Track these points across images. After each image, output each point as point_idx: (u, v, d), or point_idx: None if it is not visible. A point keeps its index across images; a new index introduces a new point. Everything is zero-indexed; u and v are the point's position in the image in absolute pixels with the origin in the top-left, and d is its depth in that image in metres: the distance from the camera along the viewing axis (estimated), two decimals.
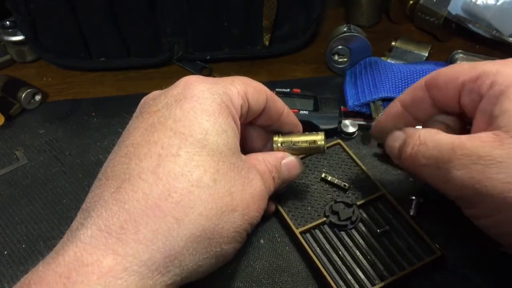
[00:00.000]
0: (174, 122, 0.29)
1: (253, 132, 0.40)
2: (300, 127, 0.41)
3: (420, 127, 0.38)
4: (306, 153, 0.42)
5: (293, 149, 0.40)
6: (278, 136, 0.40)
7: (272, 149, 0.40)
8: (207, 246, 0.28)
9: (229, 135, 0.31)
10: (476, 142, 0.30)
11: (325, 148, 0.39)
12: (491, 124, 0.30)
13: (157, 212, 0.26)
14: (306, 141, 0.39)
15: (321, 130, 0.49)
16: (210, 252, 0.29)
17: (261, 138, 0.41)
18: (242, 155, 0.34)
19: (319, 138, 0.39)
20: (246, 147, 0.40)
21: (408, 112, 0.38)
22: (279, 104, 0.38)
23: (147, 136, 0.29)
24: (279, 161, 0.38)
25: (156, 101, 0.32)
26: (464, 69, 0.33)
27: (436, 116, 0.37)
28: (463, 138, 0.31)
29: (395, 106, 0.38)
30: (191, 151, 0.29)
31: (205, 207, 0.28)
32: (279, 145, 0.39)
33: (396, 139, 0.36)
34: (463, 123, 0.36)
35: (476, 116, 0.32)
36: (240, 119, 0.34)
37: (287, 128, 0.40)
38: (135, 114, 0.33)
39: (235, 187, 0.30)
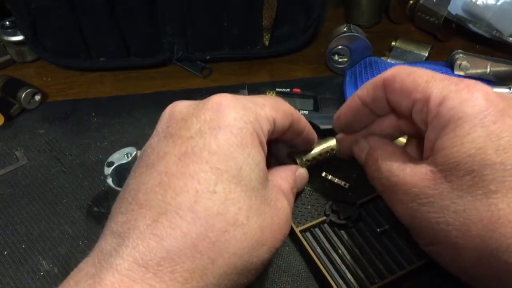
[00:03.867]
0: (210, 155, 0.29)
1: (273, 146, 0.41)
2: (315, 141, 0.42)
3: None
4: (324, 162, 0.44)
5: (314, 163, 0.43)
6: (301, 155, 0.43)
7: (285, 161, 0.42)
8: (236, 280, 0.29)
9: (261, 167, 0.31)
10: (415, 178, 0.31)
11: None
12: (433, 155, 0.31)
13: (194, 252, 0.27)
14: (326, 152, 0.43)
15: (321, 130, 0.49)
16: (238, 284, 0.29)
17: (277, 150, 0.42)
18: (269, 181, 0.33)
19: (334, 144, 0.42)
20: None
21: (367, 108, 0.37)
22: (302, 125, 0.38)
23: (182, 167, 0.29)
24: (295, 174, 0.39)
25: (187, 124, 0.31)
26: (419, 84, 0.32)
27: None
28: (408, 171, 0.32)
29: (354, 102, 0.38)
30: (227, 188, 0.28)
31: (238, 247, 0.28)
32: (303, 164, 0.43)
33: (362, 148, 0.38)
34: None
35: (425, 140, 0.33)
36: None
37: (304, 144, 0.41)
38: (161, 130, 0.32)
39: (265, 221, 0.30)
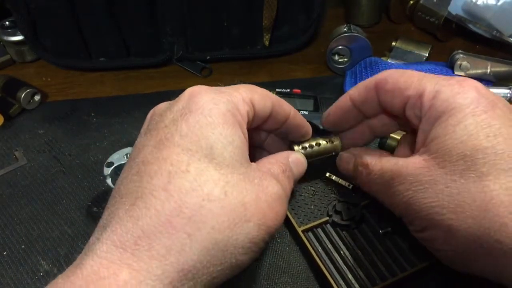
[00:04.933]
0: (181, 138, 0.30)
1: (269, 140, 0.41)
2: (308, 127, 0.41)
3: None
4: (324, 154, 0.43)
5: (312, 153, 0.41)
6: (297, 144, 0.41)
7: None
8: (221, 258, 0.29)
9: (236, 145, 0.31)
10: (409, 168, 0.33)
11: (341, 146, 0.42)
12: (426, 146, 0.33)
13: (169, 228, 0.27)
14: (325, 140, 0.42)
15: (321, 130, 0.49)
16: (225, 263, 0.29)
17: (275, 146, 0.42)
18: (253, 163, 0.34)
19: (334, 137, 0.42)
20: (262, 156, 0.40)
21: (356, 109, 0.39)
22: (285, 107, 0.38)
23: (156, 153, 0.30)
24: (288, 159, 0.38)
25: (162, 117, 0.32)
26: (412, 82, 0.34)
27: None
28: (401, 163, 0.34)
29: (345, 102, 0.39)
30: (200, 167, 0.29)
31: (217, 221, 0.28)
32: (301, 152, 0.41)
33: (347, 161, 0.40)
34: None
35: (418, 133, 0.34)
36: (247, 126, 0.34)
37: (295, 130, 0.40)
38: (143, 130, 0.34)
39: (248, 197, 0.30)
